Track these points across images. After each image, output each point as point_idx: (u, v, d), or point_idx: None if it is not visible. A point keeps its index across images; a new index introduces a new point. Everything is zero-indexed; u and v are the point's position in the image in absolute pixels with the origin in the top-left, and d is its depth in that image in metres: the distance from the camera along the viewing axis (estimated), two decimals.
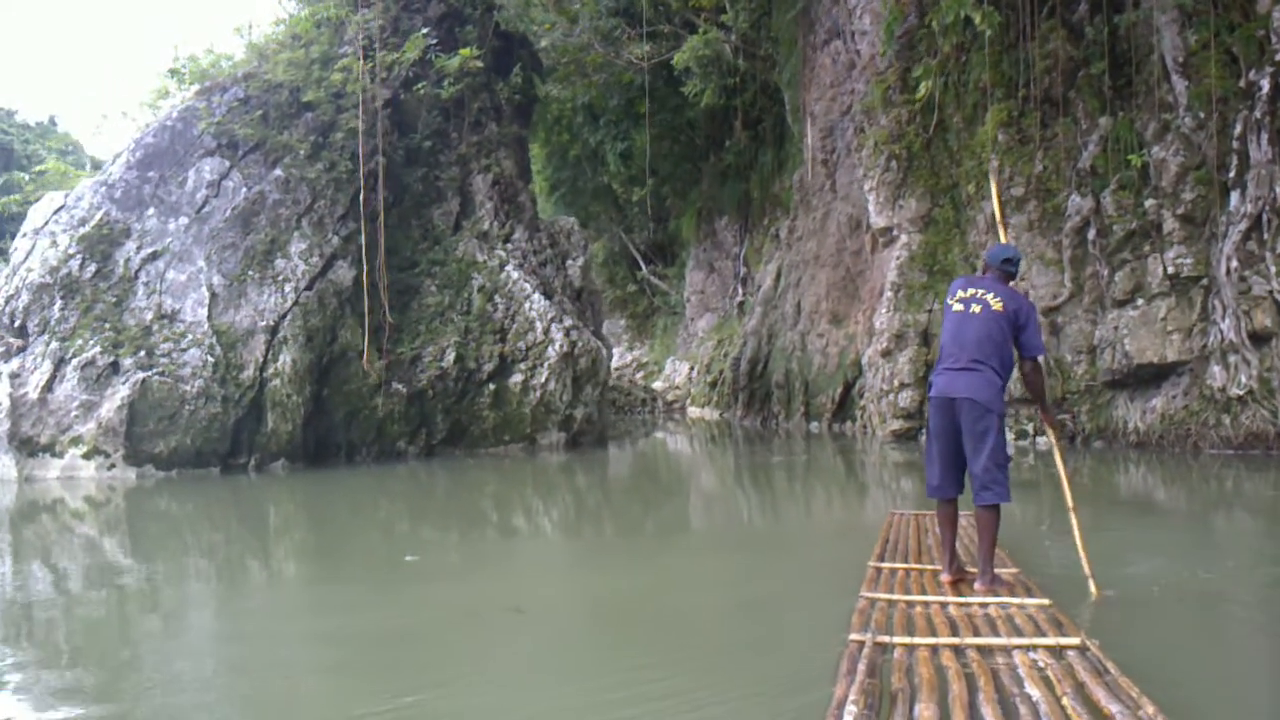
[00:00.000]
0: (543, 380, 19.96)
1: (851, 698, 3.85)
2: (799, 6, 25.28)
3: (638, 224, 47.31)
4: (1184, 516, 11.39)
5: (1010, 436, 17.99)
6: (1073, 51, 18.05)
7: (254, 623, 7.21)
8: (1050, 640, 4.69)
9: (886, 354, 19.84)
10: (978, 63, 19.19)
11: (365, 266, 19.56)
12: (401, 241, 20.77)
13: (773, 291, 28.64)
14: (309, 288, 18.56)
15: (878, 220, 20.88)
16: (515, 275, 20.69)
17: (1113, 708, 3.72)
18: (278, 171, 19.05)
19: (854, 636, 4.79)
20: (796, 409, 25.77)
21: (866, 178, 21.13)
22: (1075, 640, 4.63)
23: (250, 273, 18.19)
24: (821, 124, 24.67)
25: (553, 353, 20.07)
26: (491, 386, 19.85)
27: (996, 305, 6.07)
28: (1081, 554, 6.52)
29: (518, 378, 19.96)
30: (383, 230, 19.96)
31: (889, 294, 20.27)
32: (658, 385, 40.04)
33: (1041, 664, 4.39)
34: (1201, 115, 16.13)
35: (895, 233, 20.62)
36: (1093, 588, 6.34)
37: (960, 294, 6.29)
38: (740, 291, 36.27)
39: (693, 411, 35.70)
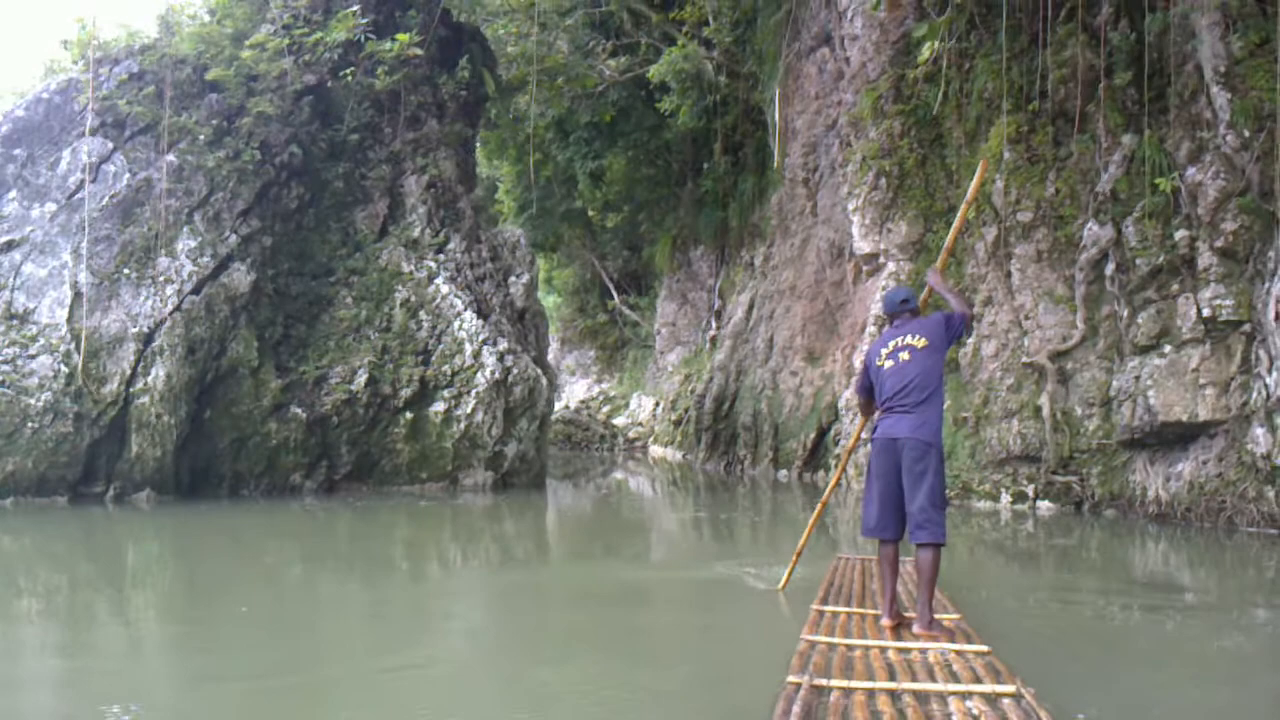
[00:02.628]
0: (469, 410, 17.32)
1: None
2: (784, 9, 22.81)
3: (611, 251, 45.20)
4: (1211, 607, 9.31)
5: (1007, 499, 15.51)
6: (1093, 59, 15.59)
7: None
8: (986, 688, 4.70)
9: None
10: (983, 70, 16.73)
11: (269, 271, 16.91)
12: (316, 245, 18.16)
13: (744, 324, 26.08)
14: (196, 291, 15.90)
15: (862, 246, 18.33)
16: (446, 290, 18.06)
17: None
18: (170, 157, 16.41)
19: (791, 678, 4.80)
20: (764, 454, 23.16)
21: (851, 197, 18.61)
22: (1010, 688, 4.65)
23: (126, 271, 15.54)
24: (804, 139, 22.19)
25: (483, 379, 17.43)
26: (408, 415, 17.20)
27: (921, 343, 6.24)
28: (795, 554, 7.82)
29: (440, 406, 17.31)
30: (294, 231, 17.34)
31: (872, 329, 17.71)
32: (620, 421, 37.50)
33: (976, 711, 4.39)
34: (1247, 133, 13.64)
35: (882, 260, 18.09)
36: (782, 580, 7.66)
37: (883, 351, 6.41)
38: (713, 325, 33.78)
39: (655, 451, 33.18)
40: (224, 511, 14.88)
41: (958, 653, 5.46)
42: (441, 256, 18.70)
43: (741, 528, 15.20)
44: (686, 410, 29.54)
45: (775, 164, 24.81)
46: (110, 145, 16.27)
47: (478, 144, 42.32)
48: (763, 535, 14.49)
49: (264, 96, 17.17)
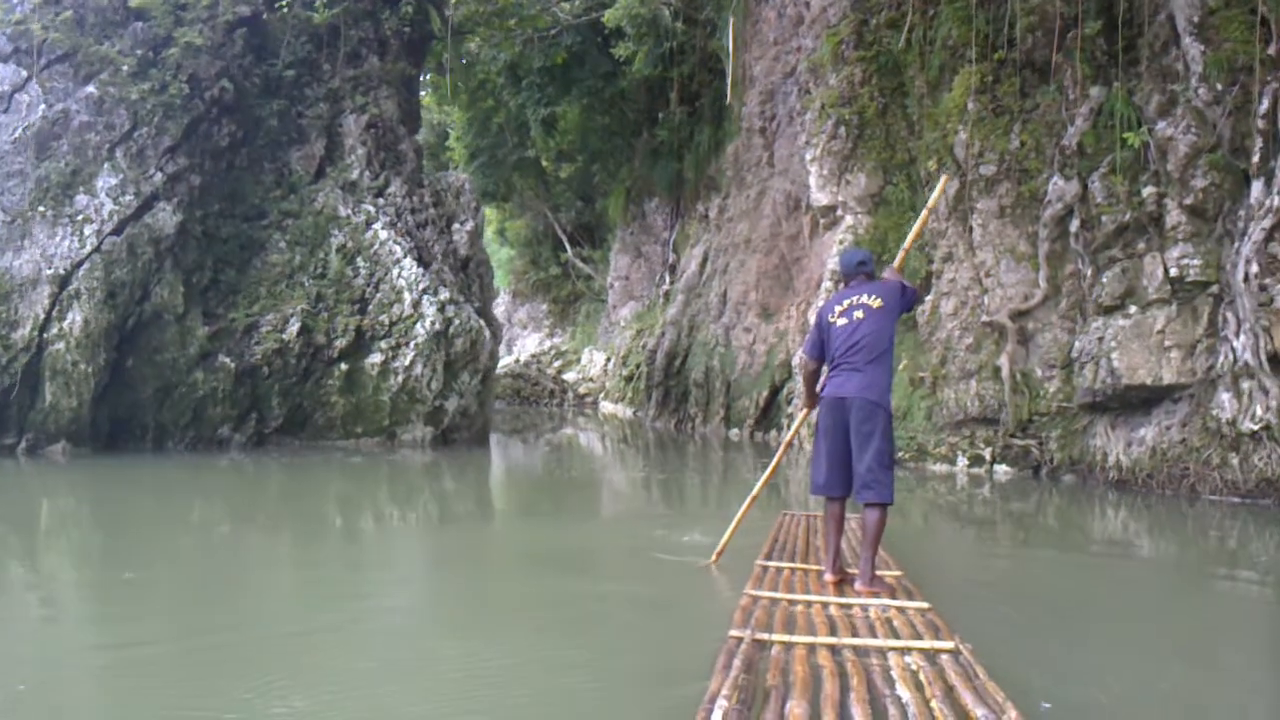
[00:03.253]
0: (407, 363, 16.56)
1: (724, 692, 3.87)
2: None
3: (564, 202, 44.37)
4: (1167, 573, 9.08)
5: (964, 462, 15.02)
6: (1063, 8, 14.91)
7: None
8: (925, 644, 4.73)
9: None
10: (948, 16, 16.04)
11: (197, 212, 16.02)
12: (248, 186, 17.28)
13: (697, 278, 25.43)
14: (116, 232, 14.99)
15: (820, 197, 17.69)
16: (384, 235, 17.24)
17: (978, 711, 3.76)
18: (90, 88, 15.44)
19: (733, 633, 4.79)
20: (716, 412, 22.60)
21: (809, 146, 17.95)
22: (949, 644, 4.66)
23: (41, 209, 14.61)
24: (762, 87, 21.48)
25: (422, 330, 16.67)
26: (343, 366, 16.43)
27: (876, 303, 6.24)
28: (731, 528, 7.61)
29: (376, 358, 16.54)
30: (225, 171, 16.45)
31: (828, 284, 17.11)
32: (571, 376, 36.81)
33: (915, 666, 4.40)
34: (1219, 87, 13.08)
35: (840, 213, 17.47)
36: (712, 558, 7.53)
37: (838, 308, 6.39)
38: (667, 280, 33.15)
39: (605, 407, 32.59)
40: (146, 465, 14.09)
41: (898, 609, 5.50)
42: (381, 200, 17.87)
43: (690, 489, 14.62)
44: (638, 366, 28.95)
45: (729, 105, 24.06)
46: (24, 73, 15.28)
47: (426, 87, 41.82)
48: (711, 496, 13.93)
49: (193, 27, 16.20)
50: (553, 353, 42.00)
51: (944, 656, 4.54)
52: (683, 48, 30.39)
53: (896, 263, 7.18)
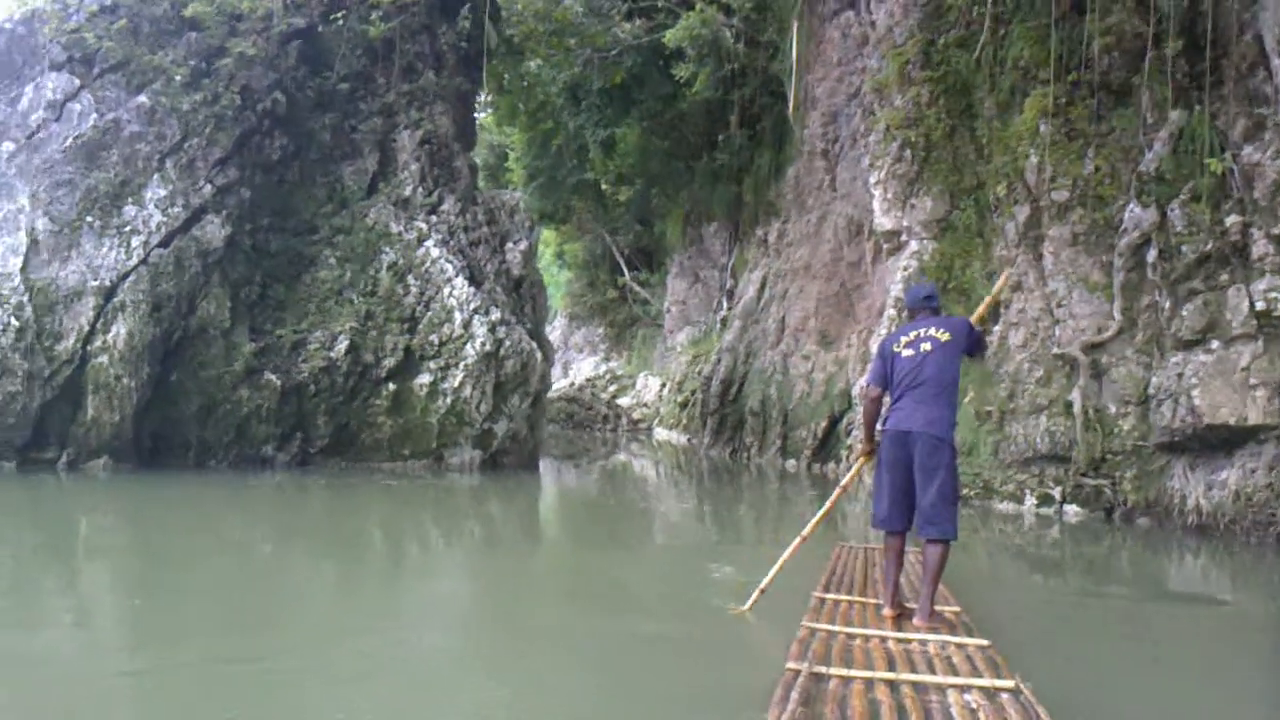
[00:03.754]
0: (456, 384, 16.16)
1: None
2: None
3: (623, 225, 44.00)
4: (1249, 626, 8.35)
5: (1031, 501, 14.33)
6: (1141, 27, 14.30)
7: None
8: (985, 681, 4.66)
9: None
10: (1020, 36, 15.46)
11: (247, 226, 15.77)
12: (300, 201, 17.02)
13: (755, 304, 24.85)
14: (164, 244, 14.78)
15: (883, 222, 17.10)
16: (436, 254, 16.89)
17: None
18: (142, 98, 15.27)
19: (791, 665, 4.77)
20: (772, 442, 21.97)
21: (873, 169, 17.37)
22: (1009, 683, 4.60)
23: (89, 219, 14.43)
24: (824, 109, 20.92)
25: (472, 351, 16.27)
26: (391, 386, 16.06)
27: (944, 337, 6.19)
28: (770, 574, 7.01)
29: (425, 378, 16.16)
30: (276, 185, 16.20)
31: (891, 312, 16.49)
32: (625, 401, 36.31)
33: (974, 705, 4.35)
34: None
35: (904, 238, 16.86)
36: (748, 604, 6.97)
37: (904, 339, 6.34)
38: (724, 305, 32.60)
39: (659, 433, 32.05)
40: (187, 483, 13.79)
41: (957, 645, 5.44)
42: (433, 218, 17.53)
43: (745, 523, 14.08)
44: (693, 393, 28.39)
45: (790, 128, 23.55)
46: (77, 83, 15.13)
47: (485, 107, 41.71)
48: (766, 533, 13.35)
49: (246, 38, 16.02)
50: (608, 377, 41.55)
51: (1004, 695, 4.50)
52: (744, 70, 29.91)
53: (974, 317, 7.06)
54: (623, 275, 43.57)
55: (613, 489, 17.75)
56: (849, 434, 18.89)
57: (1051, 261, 14.70)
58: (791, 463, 20.95)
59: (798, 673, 4.65)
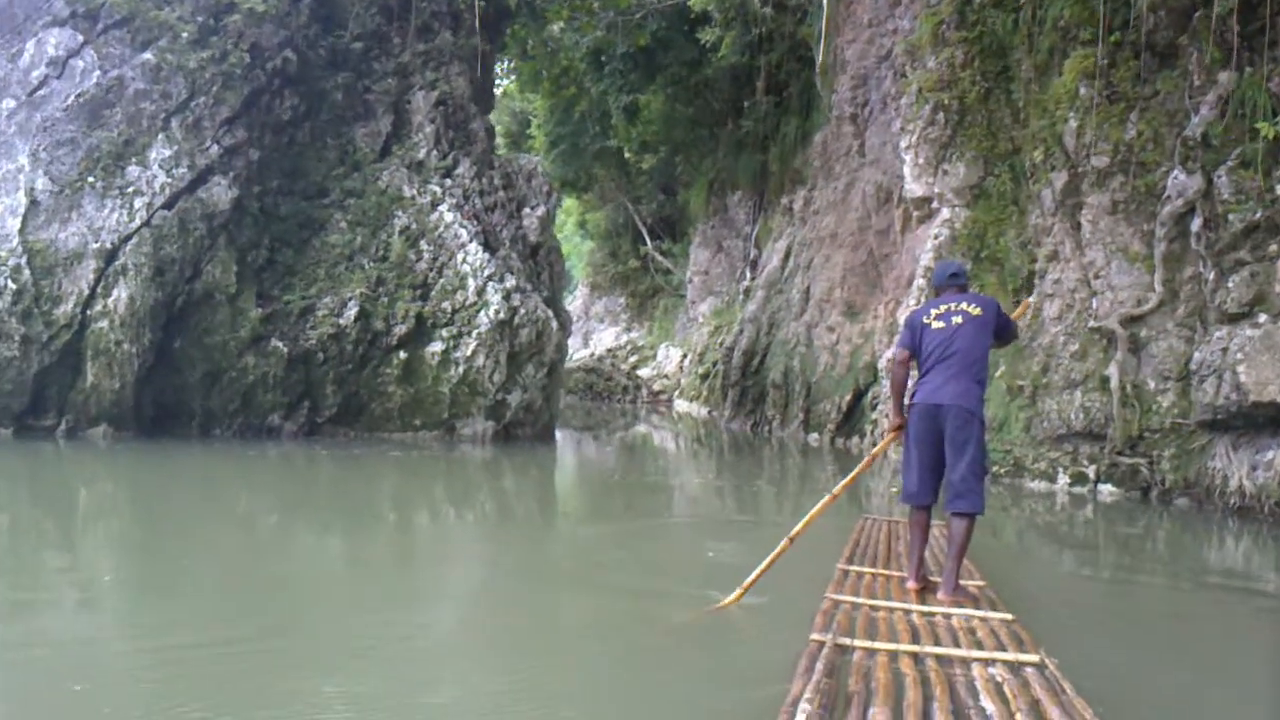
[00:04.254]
0: (469, 353, 15.67)
1: (806, 695, 3.84)
2: None
3: (645, 194, 43.47)
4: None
5: (1065, 480, 13.76)
6: None
7: None
8: (1009, 655, 4.64)
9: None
10: None
11: (255, 188, 15.29)
12: (311, 163, 16.52)
13: (779, 273, 24.25)
14: (168, 206, 14.30)
15: (914, 188, 16.48)
16: (450, 218, 16.37)
17: None
18: (147, 55, 14.76)
19: (815, 636, 4.73)
20: (795, 415, 21.43)
21: (904, 133, 16.73)
22: (1034, 657, 4.58)
23: (90, 179, 13.95)
24: (854, 71, 20.25)
25: (485, 319, 15.76)
26: (402, 355, 15.57)
27: (975, 311, 6.19)
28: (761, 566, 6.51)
29: (437, 346, 15.67)
30: (286, 146, 15.71)
31: (920, 282, 15.91)
32: (645, 373, 35.79)
33: (999, 678, 4.33)
34: None
35: (935, 205, 16.25)
36: (732, 596, 6.40)
37: (934, 311, 6.33)
38: (748, 275, 32.03)
39: (680, 405, 31.57)
40: (189, 452, 13.36)
41: (982, 619, 5.43)
42: (448, 182, 17.01)
43: (765, 500, 13.54)
44: (714, 364, 27.87)
45: (818, 94, 22.87)
46: (80, 38, 14.63)
47: (509, 74, 41.14)
48: (787, 508, 12.82)
49: None
50: (629, 347, 41.10)
51: (1029, 669, 4.48)
52: (771, 35, 29.33)
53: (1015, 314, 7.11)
54: (645, 245, 43.13)
55: (629, 463, 17.22)
56: (874, 408, 18.35)
57: (1090, 230, 14.07)
58: (814, 437, 20.42)
59: (822, 644, 4.61)
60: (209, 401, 14.62)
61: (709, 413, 27.56)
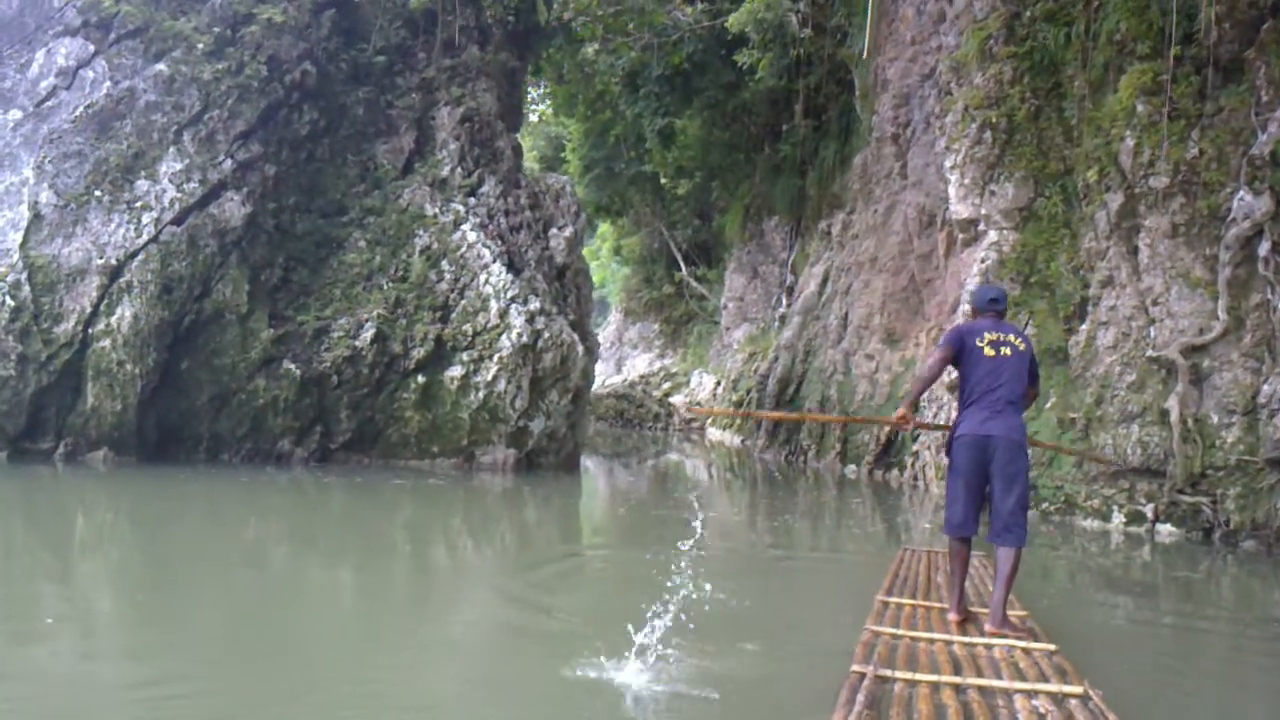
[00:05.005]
0: (490, 377, 14.98)
1: None
2: None
3: (681, 220, 42.86)
4: None
5: (1120, 519, 12.94)
6: None
7: None
8: (1053, 687, 4.58)
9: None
10: (1116, 7, 13.98)
11: (270, 204, 14.72)
12: (329, 179, 15.94)
13: (816, 299, 23.45)
14: (177, 222, 13.73)
15: (960, 210, 15.67)
16: (473, 238, 15.72)
17: None
18: (160, 66, 14.24)
19: (856, 668, 4.70)
20: (831, 446, 20.60)
21: (949, 153, 15.93)
22: (1078, 689, 4.52)
23: (97, 193, 13.42)
24: (895, 91, 19.50)
25: (507, 343, 15.07)
26: (420, 379, 14.92)
27: (1021, 346, 6.23)
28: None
29: (456, 371, 15.00)
30: (304, 162, 15.17)
31: (965, 307, 15.07)
32: (678, 400, 35.00)
33: (1042, 710, 4.28)
34: None
35: (982, 228, 15.44)
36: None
37: (987, 335, 6.27)
38: (784, 302, 31.27)
39: (712, 433, 30.82)
40: (194, 478, 12.73)
41: (1024, 650, 5.38)
42: (472, 200, 16.37)
43: (798, 534, 12.73)
44: (748, 391, 27.05)
45: (858, 117, 22.11)
46: (92, 48, 14.13)
47: (543, 100, 40.73)
48: (823, 542, 12.03)
49: (276, 4, 14.92)
50: (662, 374, 40.37)
51: (1073, 701, 4.41)
52: (809, 58, 28.67)
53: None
54: (680, 270, 42.48)
55: (658, 495, 16.43)
56: (915, 439, 17.52)
57: (1148, 255, 13.25)
58: (851, 468, 19.60)
59: (863, 675, 4.59)
60: (216, 425, 13.98)
61: (742, 442, 26.77)
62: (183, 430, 13.82)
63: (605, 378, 42.18)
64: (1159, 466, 12.87)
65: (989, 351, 6.17)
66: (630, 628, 5.68)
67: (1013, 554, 5.90)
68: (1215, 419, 12.55)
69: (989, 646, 5.45)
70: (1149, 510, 12.89)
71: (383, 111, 16.63)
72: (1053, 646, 5.40)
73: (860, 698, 4.23)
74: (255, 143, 14.75)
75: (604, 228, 48.83)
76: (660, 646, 5.67)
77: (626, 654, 5.62)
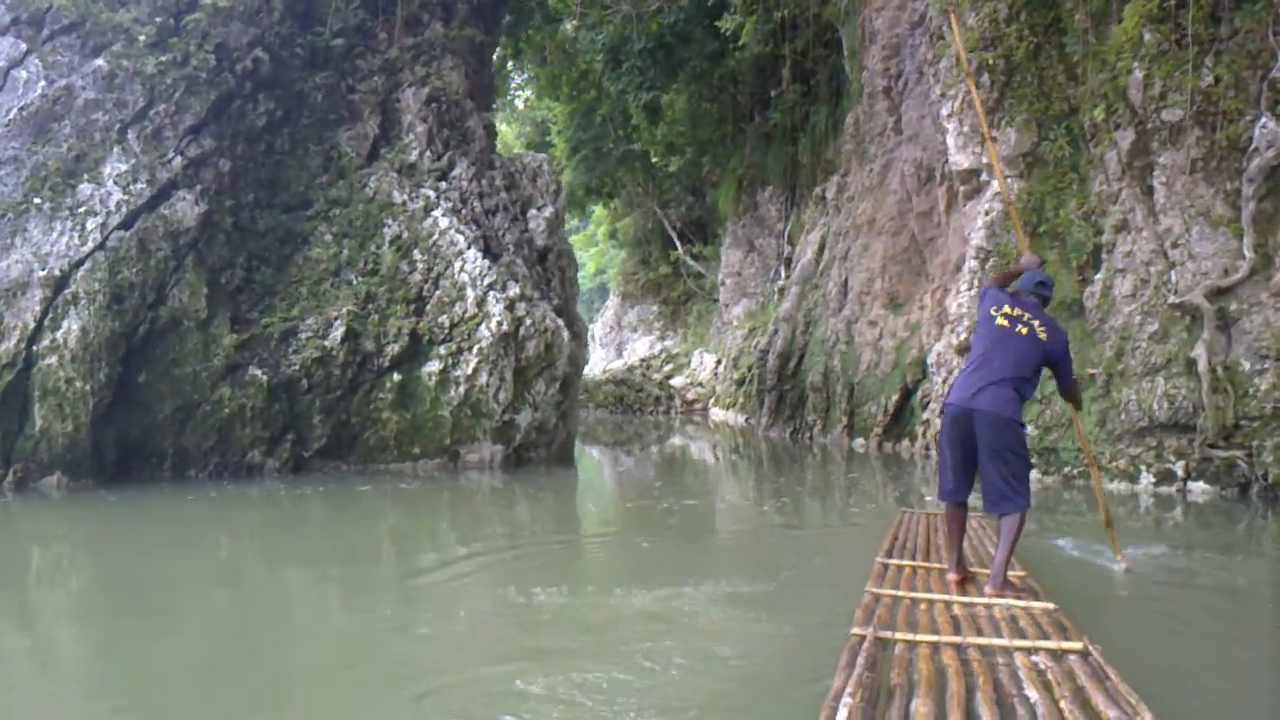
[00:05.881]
0: (470, 371, 14.09)
1: (849, 690, 3.81)
2: None
3: (674, 198, 42.07)
4: None
5: (1149, 479, 12.08)
6: None
7: None
8: (1052, 644, 4.60)
9: (965, 350, 13.64)
10: None
11: (227, 202, 13.85)
12: (291, 172, 15.04)
13: (813, 267, 22.55)
14: (125, 226, 12.79)
15: (959, 160, 14.76)
16: (446, 224, 14.82)
17: (1110, 714, 3.65)
18: (99, 61, 13.31)
19: (856, 630, 4.71)
20: (837, 420, 19.73)
21: (945, 100, 15.03)
22: (1078, 645, 4.54)
23: (36, 200, 12.48)
24: (885, 41, 18.56)
25: (487, 333, 14.18)
26: (396, 377, 14.01)
27: (1042, 335, 6.04)
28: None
29: (434, 366, 14.10)
30: (263, 155, 14.31)
31: (972, 264, 14.20)
32: (679, 381, 34.19)
33: (1042, 666, 4.30)
34: None
35: (984, 177, 14.55)
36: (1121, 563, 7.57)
37: (1006, 308, 6.17)
38: (782, 274, 30.45)
39: (716, 414, 29.97)
40: (158, 499, 11.81)
41: (1023, 609, 5.37)
42: (443, 184, 15.46)
43: (809, 514, 11.87)
44: (749, 368, 26.19)
45: (849, 71, 21.15)
46: (24, 47, 13.18)
47: (528, 85, 39.85)
48: (834, 519, 11.15)
49: None
50: (663, 356, 39.64)
51: (1072, 657, 4.41)
52: (794, 20, 27.89)
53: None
54: (675, 249, 41.77)
55: (658, 483, 15.51)
56: (925, 407, 16.69)
57: (1164, 194, 12.37)
58: (860, 442, 18.75)
59: (863, 638, 4.58)
60: (180, 440, 13.06)
61: (746, 420, 25.91)
62: (144, 447, 12.92)
63: (606, 363, 41.42)
64: (1188, 421, 12.01)
65: (1001, 321, 6.09)
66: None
67: (1015, 517, 5.85)
68: (1246, 366, 11.71)
69: (989, 606, 5.46)
70: (1179, 468, 12.04)
71: (344, 97, 15.71)
72: (1052, 605, 5.39)
73: (860, 660, 4.22)
74: (207, 137, 13.84)
75: (598, 211, 48.05)
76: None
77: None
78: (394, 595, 7.34)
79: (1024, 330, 6.02)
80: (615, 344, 44.38)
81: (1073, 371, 6.45)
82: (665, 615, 6.35)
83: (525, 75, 39.08)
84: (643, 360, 38.76)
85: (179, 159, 13.48)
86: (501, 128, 48.16)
